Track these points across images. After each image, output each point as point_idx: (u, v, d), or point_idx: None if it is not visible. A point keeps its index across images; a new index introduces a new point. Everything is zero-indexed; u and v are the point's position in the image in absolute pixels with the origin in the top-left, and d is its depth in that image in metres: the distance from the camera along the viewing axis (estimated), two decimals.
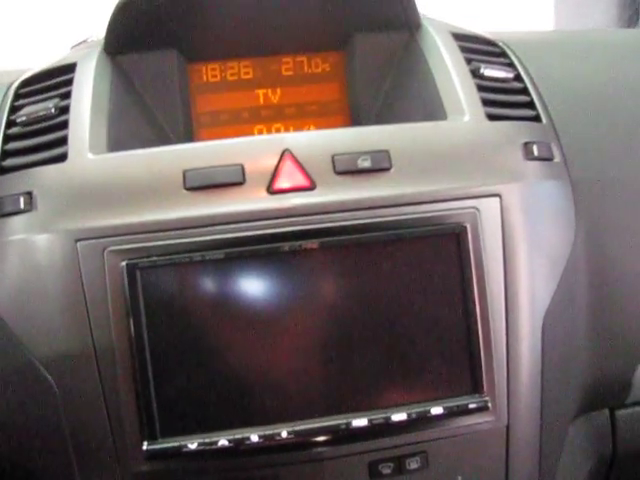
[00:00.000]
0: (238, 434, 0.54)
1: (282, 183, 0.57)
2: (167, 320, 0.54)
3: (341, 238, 0.55)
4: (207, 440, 0.54)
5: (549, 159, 0.63)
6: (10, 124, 0.64)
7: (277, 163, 0.57)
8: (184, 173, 0.56)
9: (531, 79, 0.69)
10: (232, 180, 0.56)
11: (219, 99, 0.78)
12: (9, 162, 0.61)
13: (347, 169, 0.57)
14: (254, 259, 0.55)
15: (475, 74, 0.66)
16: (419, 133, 0.60)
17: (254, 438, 0.54)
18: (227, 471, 0.56)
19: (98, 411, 0.55)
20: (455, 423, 0.57)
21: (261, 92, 0.78)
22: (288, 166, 0.57)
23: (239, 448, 0.54)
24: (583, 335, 0.63)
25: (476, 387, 0.57)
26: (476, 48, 0.71)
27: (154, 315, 0.54)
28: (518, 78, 0.69)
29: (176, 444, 0.54)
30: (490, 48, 0.73)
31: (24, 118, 0.63)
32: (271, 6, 0.72)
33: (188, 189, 0.56)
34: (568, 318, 0.61)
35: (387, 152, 0.58)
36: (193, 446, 0.54)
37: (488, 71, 0.67)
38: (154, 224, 0.55)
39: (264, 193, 0.56)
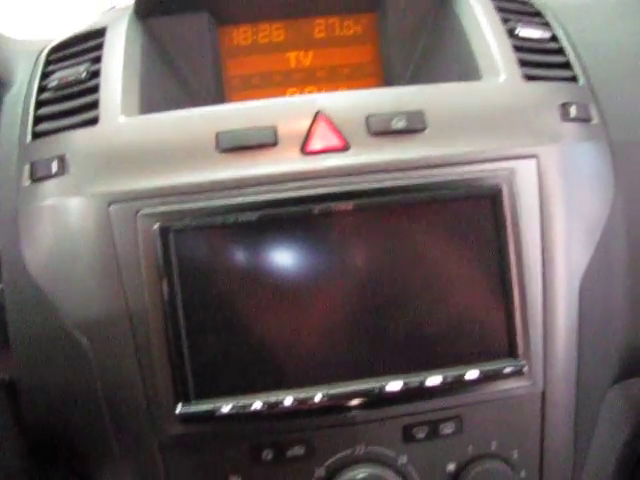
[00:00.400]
0: (272, 397, 0.54)
1: (315, 144, 0.56)
2: (200, 283, 0.54)
3: (375, 200, 0.54)
4: (240, 403, 0.54)
5: (587, 120, 0.61)
6: (42, 90, 0.64)
7: (310, 124, 0.56)
8: (217, 135, 0.56)
9: (568, 39, 0.67)
10: (265, 142, 0.56)
11: (250, 62, 0.77)
12: (41, 127, 0.61)
13: (381, 130, 0.56)
14: (287, 221, 0.54)
15: (511, 34, 0.65)
16: (455, 93, 0.59)
17: (288, 401, 0.54)
18: (260, 434, 0.56)
19: (132, 375, 0.55)
20: (490, 388, 0.57)
21: (293, 55, 0.77)
22: (321, 127, 0.56)
23: (273, 411, 0.54)
24: (621, 300, 0.62)
25: (512, 351, 0.56)
26: (512, 8, 0.69)
27: (187, 278, 0.53)
28: (555, 38, 0.67)
29: (209, 407, 0.54)
30: (526, 8, 0.71)
31: (55, 83, 0.63)
32: None
33: (221, 151, 0.55)
34: (605, 282, 0.60)
35: (422, 113, 0.57)
36: (226, 409, 0.54)
37: (524, 31, 0.65)
38: (187, 187, 0.54)
39: (297, 154, 0.56)
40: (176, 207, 0.54)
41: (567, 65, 0.66)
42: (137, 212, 0.54)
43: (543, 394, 0.58)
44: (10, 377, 0.59)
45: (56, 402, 0.58)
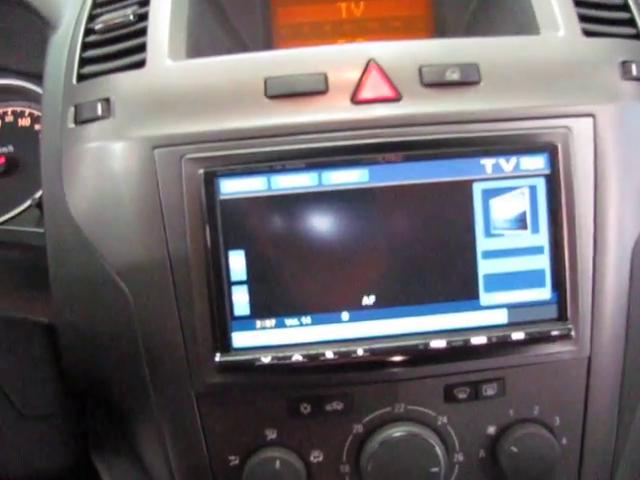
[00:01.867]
0: (312, 350, 0.53)
1: (366, 93, 0.54)
2: (243, 230, 0.53)
3: (426, 152, 0.53)
4: (281, 354, 0.53)
5: None
6: (88, 32, 0.63)
7: (362, 73, 0.55)
8: (265, 80, 0.54)
9: None
10: (315, 89, 0.54)
11: (300, 11, 0.76)
12: (87, 69, 0.60)
13: (434, 81, 0.55)
14: (335, 170, 0.53)
15: None
16: (511, 47, 0.57)
17: (329, 354, 0.53)
18: (300, 387, 0.56)
19: (172, 322, 0.54)
20: (536, 350, 0.55)
21: (344, 5, 0.76)
22: (373, 76, 0.55)
23: (313, 364, 0.53)
24: None
25: (560, 314, 0.55)
26: None
27: (230, 225, 0.53)
28: None
29: (249, 357, 0.53)
30: None
31: (102, 25, 0.62)
32: None
33: (269, 97, 0.54)
34: None
35: (477, 65, 0.55)
36: (266, 360, 0.53)
37: None
38: (233, 132, 0.53)
39: (348, 103, 0.54)
40: (221, 152, 0.53)
41: (631, 22, 0.63)
42: (182, 157, 0.53)
43: (589, 360, 0.57)
44: (50, 320, 0.59)
45: (94, 347, 0.58)
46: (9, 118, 0.78)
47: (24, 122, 0.78)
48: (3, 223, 0.75)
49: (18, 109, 0.78)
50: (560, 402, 0.58)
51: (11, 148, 0.77)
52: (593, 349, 0.57)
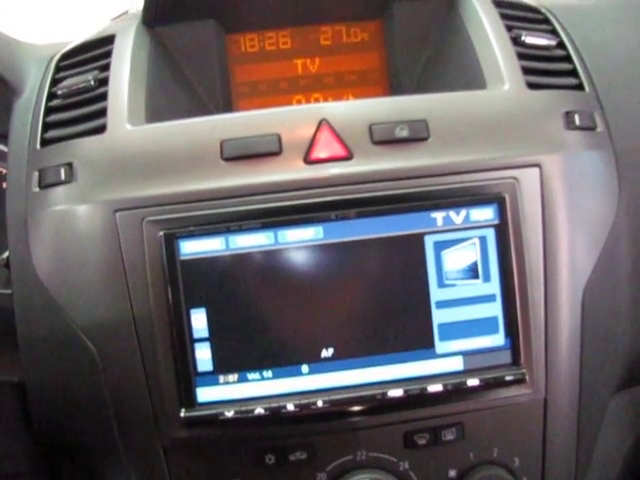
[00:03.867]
0: (274, 403, 0.54)
1: (319, 153, 0.56)
2: (204, 289, 0.54)
3: (378, 208, 0.55)
4: (243, 408, 0.54)
5: (591, 128, 0.61)
6: (51, 96, 0.65)
7: (314, 133, 0.57)
8: (221, 143, 0.56)
9: (574, 46, 0.67)
10: (269, 150, 0.56)
11: (257, 69, 0.77)
12: (51, 134, 0.62)
13: (384, 139, 0.57)
14: (290, 228, 0.54)
15: (516, 42, 0.65)
16: (457, 102, 0.59)
17: (290, 407, 0.54)
18: (263, 439, 0.57)
19: (138, 378, 0.56)
20: (492, 395, 0.57)
21: (300, 62, 0.78)
22: (325, 136, 0.57)
23: (275, 417, 0.55)
24: (625, 307, 0.61)
25: (514, 359, 0.56)
26: (517, 15, 0.69)
27: (191, 284, 0.54)
28: (561, 45, 0.67)
29: (213, 412, 0.54)
30: (532, 15, 0.71)
31: (65, 90, 0.64)
32: None
33: (225, 159, 0.56)
34: (609, 290, 0.60)
35: (425, 121, 0.57)
36: (230, 414, 0.54)
37: (530, 38, 0.65)
38: (192, 194, 0.55)
39: (301, 163, 0.56)
40: (181, 214, 0.54)
41: (573, 72, 0.65)
42: (143, 219, 0.55)
43: (545, 401, 0.59)
44: (19, 379, 0.60)
45: (63, 404, 0.59)
46: None
47: None
48: None
49: None
50: (519, 443, 0.59)
51: None
52: (548, 391, 0.58)
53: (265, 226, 0.54)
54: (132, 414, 0.57)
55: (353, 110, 0.59)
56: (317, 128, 0.57)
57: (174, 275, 0.54)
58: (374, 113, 0.58)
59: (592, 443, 0.63)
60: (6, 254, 0.61)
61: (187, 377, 0.55)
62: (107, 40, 0.68)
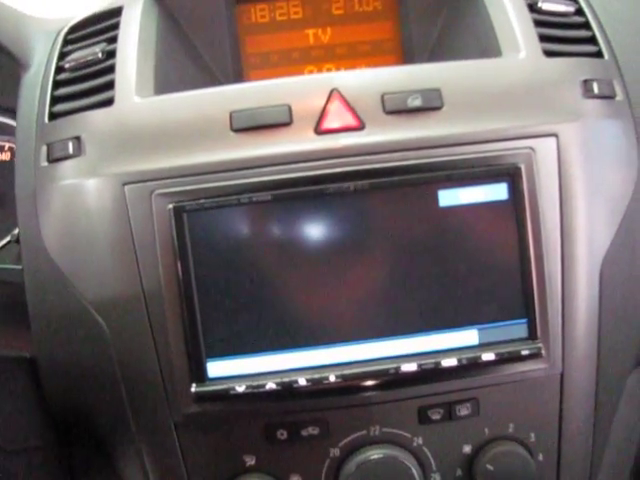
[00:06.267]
0: (286, 377, 0.54)
1: (330, 123, 0.55)
2: (214, 262, 0.54)
3: (391, 179, 0.54)
4: (255, 383, 0.54)
5: (610, 97, 0.59)
6: (59, 70, 0.64)
7: (325, 103, 0.56)
8: (230, 114, 0.55)
9: (594, 13, 0.65)
10: (279, 120, 0.55)
11: (268, 40, 0.76)
12: (59, 108, 0.61)
13: (397, 108, 0.55)
14: (301, 200, 0.54)
15: (533, 8, 0.63)
16: (472, 71, 0.58)
17: (302, 381, 0.54)
18: (274, 414, 0.56)
19: (148, 353, 0.55)
20: (507, 370, 0.56)
21: (311, 32, 0.77)
22: (336, 106, 0.56)
23: (286, 391, 0.54)
24: None
25: (530, 333, 0.55)
26: None
27: (201, 257, 0.53)
28: (579, 12, 0.65)
29: (224, 387, 0.54)
30: None
31: (72, 63, 0.63)
32: None
33: (235, 130, 0.55)
34: (628, 262, 0.59)
35: (438, 90, 0.56)
36: (241, 389, 0.54)
37: (547, 5, 0.63)
38: (201, 166, 0.54)
39: (312, 133, 0.55)
40: (190, 187, 0.54)
41: (592, 40, 0.64)
42: (152, 192, 0.54)
43: (562, 376, 0.58)
44: (31, 354, 0.60)
45: (75, 380, 0.59)
46: None
47: (4, 156, 0.79)
48: None
49: None
50: (535, 419, 0.58)
51: None
52: (565, 366, 0.57)
53: (276, 198, 0.53)
54: (143, 389, 0.56)
55: (365, 79, 0.58)
56: (328, 98, 0.56)
57: (184, 248, 0.53)
58: (386, 82, 0.57)
59: (610, 419, 0.62)
60: (17, 230, 0.61)
61: (197, 352, 0.54)
62: (115, 12, 0.67)
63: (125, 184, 0.54)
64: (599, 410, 0.60)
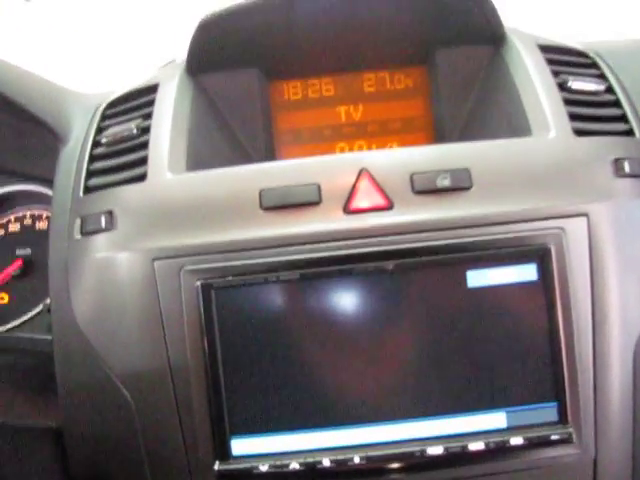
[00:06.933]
0: (309, 458, 0.53)
1: (359, 203, 0.56)
2: (241, 340, 0.54)
3: (420, 260, 0.54)
4: (278, 463, 0.53)
5: None
6: (96, 144, 0.66)
7: (354, 182, 0.56)
8: (260, 192, 0.56)
9: (624, 91, 0.65)
10: (308, 200, 0.56)
11: (301, 117, 0.78)
12: (93, 181, 0.63)
13: (426, 188, 0.56)
14: (329, 280, 0.54)
15: (562, 87, 0.63)
16: (502, 151, 0.58)
17: (326, 462, 0.53)
18: None
19: (173, 428, 0.55)
20: (537, 455, 0.55)
21: (343, 109, 0.78)
22: (365, 185, 0.56)
23: (310, 472, 0.53)
24: None
25: (561, 417, 0.54)
26: (564, 60, 0.68)
27: (228, 334, 0.54)
28: (610, 90, 0.65)
29: (247, 465, 0.54)
30: (580, 59, 0.69)
31: (109, 138, 0.65)
32: (353, 23, 0.71)
33: (264, 209, 0.56)
34: None
35: (468, 170, 0.56)
36: (264, 468, 0.53)
37: (577, 84, 0.64)
38: (230, 244, 0.55)
39: (341, 213, 0.56)
40: (218, 264, 0.54)
41: (623, 118, 0.63)
42: (181, 268, 0.55)
43: (595, 462, 0.56)
44: (57, 425, 0.60)
45: (99, 451, 0.59)
46: (27, 221, 0.81)
47: (41, 225, 0.80)
48: (18, 327, 0.77)
49: (36, 212, 0.81)
50: None
51: (29, 250, 0.80)
52: (598, 451, 0.55)
53: (304, 277, 0.54)
54: (166, 464, 0.56)
55: (394, 159, 0.58)
56: (357, 177, 0.56)
57: (211, 325, 0.54)
58: (415, 162, 0.57)
59: None
60: (48, 300, 0.62)
61: (222, 429, 0.54)
62: (151, 89, 0.69)
63: (155, 259, 0.55)
64: None
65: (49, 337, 0.60)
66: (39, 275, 0.79)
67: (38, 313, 0.76)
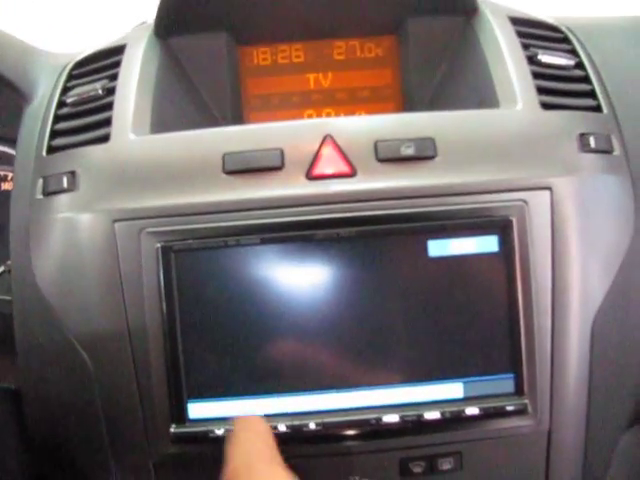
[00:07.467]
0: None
1: (322, 169, 0.55)
2: (200, 304, 0.53)
3: (381, 227, 0.54)
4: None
5: (608, 151, 0.59)
6: (61, 104, 0.65)
7: (317, 148, 0.56)
8: (223, 156, 0.56)
9: (594, 67, 0.65)
10: (271, 164, 0.55)
11: (269, 82, 0.77)
12: (57, 142, 0.62)
13: (390, 156, 0.55)
14: (289, 245, 0.54)
15: (532, 60, 0.63)
16: (467, 121, 0.58)
17: (281, 428, 0.53)
18: None
19: (130, 391, 0.55)
20: (492, 425, 0.55)
21: (312, 76, 0.78)
22: (328, 151, 0.56)
23: None
24: (638, 337, 0.59)
25: (517, 389, 0.54)
26: (535, 33, 0.67)
27: (187, 298, 0.53)
28: (580, 66, 0.65)
29: (203, 429, 0.54)
30: (551, 33, 0.69)
31: (74, 98, 0.64)
32: None
33: (227, 172, 0.55)
34: (621, 318, 0.58)
35: (432, 140, 0.56)
36: (220, 432, 0.53)
37: (546, 57, 0.63)
38: (191, 207, 0.54)
39: (303, 179, 0.55)
40: (179, 227, 0.54)
41: (591, 93, 0.63)
42: (141, 230, 0.54)
43: (549, 433, 0.56)
44: (16, 386, 0.60)
45: (57, 413, 0.58)
46: None
47: (6, 186, 0.79)
48: None
49: (2, 173, 0.80)
50: (520, 476, 0.57)
51: None
52: (553, 423, 0.56)
53: (264, 242, 0.53)
54: (124, 427, 0.56)
55: (359, 126, 0.58)
56: (321, 143, 0.56)
57: (170, 288, 0.53)
58: (380, 130, 0.57)
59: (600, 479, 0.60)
60: (10, 261, 0.62)
61: (179, 392, 0.54)
62: (118, 50, 0.68)
63: (115, 221, 0.55)
64: (588, 470, 0.59)
65: (8, 297, 0.60)
66: (2, 237, 0.78)
67: (0, 274, 0.75)
